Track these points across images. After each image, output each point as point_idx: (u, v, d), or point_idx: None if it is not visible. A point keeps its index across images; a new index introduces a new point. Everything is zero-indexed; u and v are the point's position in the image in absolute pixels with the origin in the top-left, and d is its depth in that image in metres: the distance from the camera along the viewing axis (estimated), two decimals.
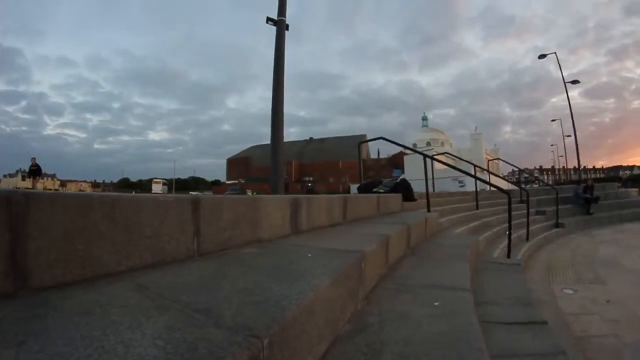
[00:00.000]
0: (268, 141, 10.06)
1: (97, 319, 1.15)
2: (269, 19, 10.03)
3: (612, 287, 6.49)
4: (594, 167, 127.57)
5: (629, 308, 5.43)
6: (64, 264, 1.45)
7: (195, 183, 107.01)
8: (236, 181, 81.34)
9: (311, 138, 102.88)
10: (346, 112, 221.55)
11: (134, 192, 5.89)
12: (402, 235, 3.74)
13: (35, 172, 24.04)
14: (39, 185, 27.19)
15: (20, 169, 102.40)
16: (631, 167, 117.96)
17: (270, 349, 1.10)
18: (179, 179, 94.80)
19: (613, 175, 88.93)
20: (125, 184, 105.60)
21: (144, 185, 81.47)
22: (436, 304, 2.33)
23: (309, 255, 2.22)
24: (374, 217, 4.86)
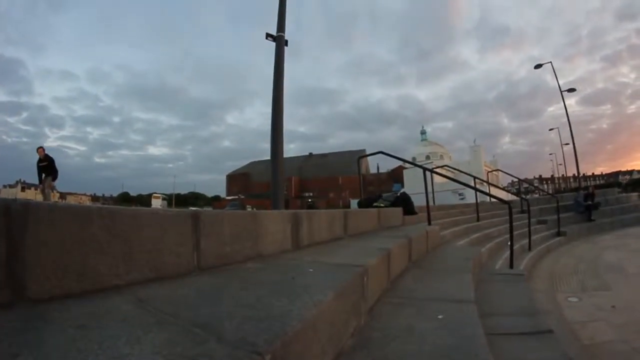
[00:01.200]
0: (268, 157, 10.10)
1: (94, 332, 1.13)
2: (268, 35, 10.12)
3: (618, 293, 6.46)
4: (593, 174, 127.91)
5: (636, 312, 5.42)
6: (61, 276, 1.44)
7: (195, 198, 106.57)
8: (236, 197, 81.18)
9: (311, 154, 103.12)
10: (345, 127, 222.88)
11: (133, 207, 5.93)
12: (403, 248, 3.73)
13: (45, 169, 14.67)
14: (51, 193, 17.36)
15: (20, 179, 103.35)
16: (630, 172, 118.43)
17: None
18: (178, 194, 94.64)
19: (613, 180, 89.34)
20: (124, 199, 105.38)
21: (144, 200, 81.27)
22: (440, 317, 2.32)
23: (311, 270, 2.20)
24: (375, 231, 4.86)
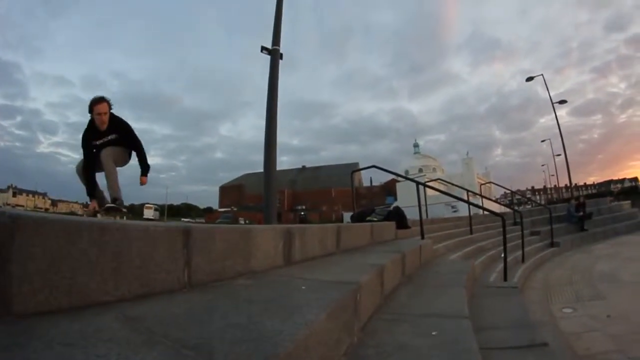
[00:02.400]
0: (261, 169, 10.08)
1: (81, 351, 1.12)
2: (263, 48, 10.18)
3: (613, 302, 6.50)
4: (585, 183, 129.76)
5: (632, 321, 5.43)
6: (49, 291, 1.42)
7: (187, 210, 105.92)
8: (229, 209, 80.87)
9: (304, 166, 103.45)
10: (338, 140, 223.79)
11: (125, 217, 5.98)
12: (397, 263, 3.74)
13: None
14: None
15: (12, 185, 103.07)
16: (622, 180, 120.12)
17: None
18: (171, 205, 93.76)
19: (605, 190, 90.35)
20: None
21: (136, 210, 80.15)
22: (434, 333, 2.32)
23: (303, 287, 2.19)
24: (368, 246, 4.85)
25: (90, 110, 5.46)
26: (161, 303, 1.72)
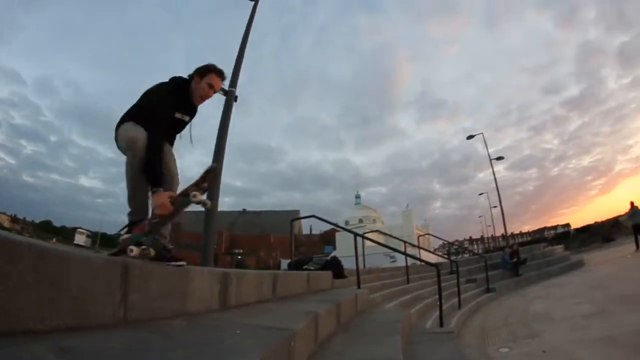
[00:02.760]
0: (200, 207, 9.83)
1: None
2: (220, 88, 10.19)
3: (547, 338, 6.93)
4: (520, 231, 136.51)
5: (565, 352, 5.88)
6: None
7: None
8: None
9: (244, 210, 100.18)
10: (282, 186, 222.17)
11: (54, 239, 5.51)
12: (331, 312, 3.88)
13: None
14: None
15: None
16: (555, 227, 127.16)
17: None
18: (105, 234, 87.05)
19: (539, 236, 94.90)
20: (46, 227, 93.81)
21: (67, 233, 73.88)
22: None
23: (238, 332, 2.29)
24: (305, 294, 4.96)
25: (203, 74, 3.90)
26: (97, 337, 1.72)
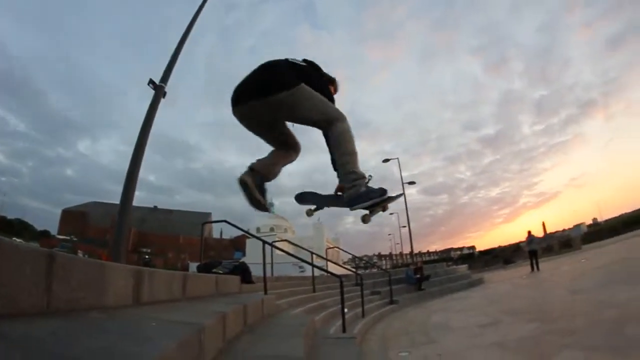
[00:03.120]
0: (111, 199, 9.43)
1: None
2: (150, 81, 9.84)
3: (443, 345, 7.66)
4: (428, 251, 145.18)
5: (459, 356, 6.63)
6: None
7: (21, 228, 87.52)
8: (68, 237, 71.27)
9: (155, 207, 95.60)
10: (195, 186, 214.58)
11: None
12: (239, 313, 4.10)
13: None
14: None
15: None
16: (461, 248, 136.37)
17: None
18: (4, 217, 78.25)
19: (446, 256, 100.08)
20: None
21: None
22: None
23: (153, 324, 2.47)
24: (213, 296, 5.09)
25: (335, 86, 4.06)
26: (23, 324, 1.78)
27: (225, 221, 9.50)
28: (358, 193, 3.37)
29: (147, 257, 69.71)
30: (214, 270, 7.81)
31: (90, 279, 2.51)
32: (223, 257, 9.28)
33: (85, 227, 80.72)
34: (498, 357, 6.27)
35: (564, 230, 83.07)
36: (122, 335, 2.03)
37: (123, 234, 9.21)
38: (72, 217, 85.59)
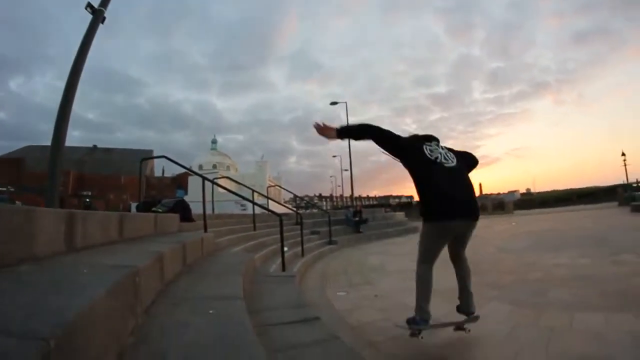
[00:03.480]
0: (48, 141, 8.48)
1: None
2: (88, 5, 8.85)
3: (380, 286, 7.82)
4: (368, 195, 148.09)
5: (394, 298, 6.69)
6: None
7: None
8: (4, 189, 67.35)
9: (95, 146, 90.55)
10: (137, 122, 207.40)
11: None
12: (177, 253, 3.94)
13: None
14: None
15: None
16: (400, 197, 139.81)
17: (58, 350, 1.21)
18: None
19: (385, 202, 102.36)
20: None
21: None
22: (211, 311, 2.68)
23: (85, 271, 2.28)
24: (152, 236, 4.89)
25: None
26: None
27: (164, 157, 9.07)
28: None
29: (87, 200, 67.05)
30: (154, 209, 7.55)
31: (17, 228, 2.28)
32: (165, 195, 8.93)
33: (21, 174, 75.71)
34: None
35: (498, 194, 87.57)
36: (50, 287, 1.87)
37: (56, 177, 8.37)
38: (7, 165, 79.24)
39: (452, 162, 4.21)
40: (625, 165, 37.84)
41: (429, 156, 4.17)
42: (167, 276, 3.35)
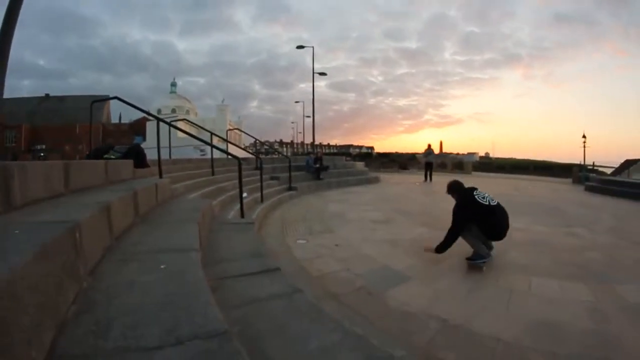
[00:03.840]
0: None
1: None
2: None
3: (340, 234, 7.85)
4: (329, 143, 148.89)
5: (355, 248, 6.78)
6: None
7: None
8: None
9: (47, 95, 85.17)
10: (92, 66, 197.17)
11: None
12: (128, 202, 3.66)
13: None
14: None
15: None
16: (360, 147, 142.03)
17: None
18: None
19: (345, 151, 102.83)
20: None
21: None
22: (163, 266, 2.45)
23: (16, 231, 1.95)
24: (103, 185, 4.54)
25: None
26: None
27: (117, 97, 8.45)
28: None
29: (42, 154, 64.06)
30: (106, 156, 7.10)
31: None
32: (122, 143, 8.34)
33: None
34: (389, 254, 6.52)
35: (457, 154, 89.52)
36: None
37: None
38: None
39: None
40: (584, 146, 39.04)
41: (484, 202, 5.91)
42: (117, 229, 3.09)
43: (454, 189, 6.34)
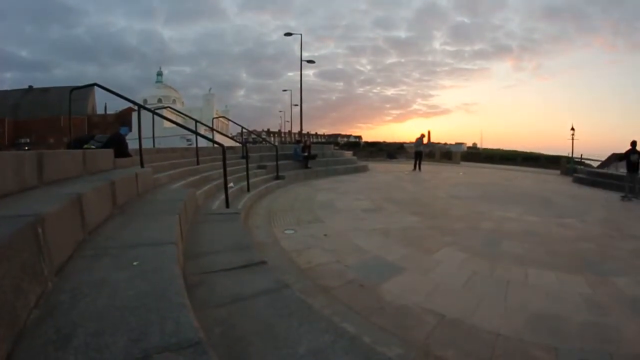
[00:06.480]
0: None
1: None
2: None
3: (329, 224, 7.69)
4: (316, 133, 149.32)
5: (345, 238, 6.63)
6: None
7: None
8: None
9: (30, 87, 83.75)
10: (76, 57, 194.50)
11: None
12: (104, 193, 3.43)
13: None
14: None
15: None
16: (348, 136, 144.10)
17: None
18: None
19: (333, 141, 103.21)
20: None
21: None
22: (135, 263, 2.25)
23: None
24: (79, 176, 4.28)
25: None
26: None
27: (96, 84, 8.09)
28: None
29: (27, 148, 62.88)
30: (86, 145, 6.83)
31: None
32: (108, 134, 7.99)
33: None
34: (381, 244, 6.39)
35: (445, 144, 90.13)
36: None
37: None
38: None
39: None
40: (572, 138, 39.46)
41: None
42: (91, 222, 2.87)
43: None
